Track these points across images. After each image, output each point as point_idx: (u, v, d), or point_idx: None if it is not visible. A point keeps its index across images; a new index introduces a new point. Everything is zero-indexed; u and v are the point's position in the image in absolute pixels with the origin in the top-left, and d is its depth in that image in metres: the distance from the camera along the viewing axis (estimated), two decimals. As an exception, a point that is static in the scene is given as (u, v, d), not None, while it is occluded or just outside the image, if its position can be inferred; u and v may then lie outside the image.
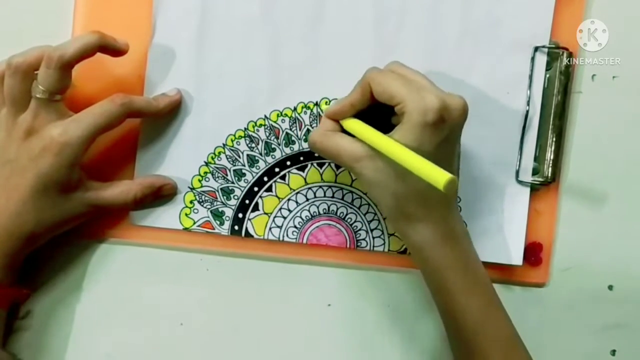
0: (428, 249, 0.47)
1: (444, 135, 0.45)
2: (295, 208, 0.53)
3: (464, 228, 0.49)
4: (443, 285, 0.47)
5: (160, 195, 0.52)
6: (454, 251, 0.47)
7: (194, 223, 0.53)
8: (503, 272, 0.54)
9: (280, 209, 0.53)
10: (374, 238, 0.53)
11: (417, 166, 0.42)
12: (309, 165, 0.53)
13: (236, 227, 0.53)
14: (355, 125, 0.47)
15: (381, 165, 0.45)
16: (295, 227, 0.53)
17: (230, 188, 0.53)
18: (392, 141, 0.44)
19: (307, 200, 0.53)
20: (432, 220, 0.46)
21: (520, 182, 0.53)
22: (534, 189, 0.53)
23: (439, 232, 0.47)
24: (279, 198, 0.53)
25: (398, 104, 0.45)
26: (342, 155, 0.46)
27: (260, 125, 0.53)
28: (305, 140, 0.53)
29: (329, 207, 0.53)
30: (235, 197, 0.53)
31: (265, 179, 0.53)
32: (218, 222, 0.53)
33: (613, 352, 0.55)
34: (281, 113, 0.53)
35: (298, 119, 0.53)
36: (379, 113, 0.47)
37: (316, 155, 0.53)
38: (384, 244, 0.53)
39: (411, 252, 0.49)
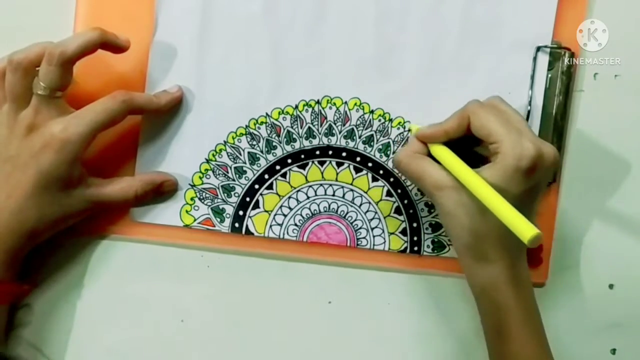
0: (492, 291, 0.47)
1: (532, 183, 0.45)
2: (295, 206, 0.53)
3: (528, 274, 0.48)
4: (500, 329, 0.47)
5: (161, 192, 0.52)
6: (517, 297, 0.47)
7: (195, 220, 0.53)
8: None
9: (281, 206, 0.53)
10: (374, 237, 0.53)
11: (505, 213, 0.42)
12: (310, 163, 0.53)
13: (237, 225, 0.53)
14: (444, 153, 0.47)
15: (464, 199, 0.45)
16: (295, 225, 0.53)
17: (231, 185, 0.53)
18: (480, 180, 0.44)
19: (308, 198, 0.53)
20: (503, 263, 0.46)
21: (521, 182, 0.53)
22: (535, 188, 0.53)
23: (507, 276, 0.46)
24: (279, 196, 0.53)
25: (494, 143, 0.45)
26: (425, 180, 0.47)
27: (262, 122, 0.53)
28: (307, 138, 0.53)
29: (329, 205, 0.53)
30: (236, 195, 0.53)
31: (266, 176, 0.53)
32: (218, 220, 0.53)
33: (613, 351, 0.55)
34: (282, 111, 0.53)
35: (299, 116, 0.53)
36: (464, 139, 0.48)
37: (317, 153, 0.53)
38: (384, 242, 0.53)
39: (473, 290, 0.49)
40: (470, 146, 0.49)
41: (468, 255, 0.47)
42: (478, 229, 0.45)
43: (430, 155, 0.48)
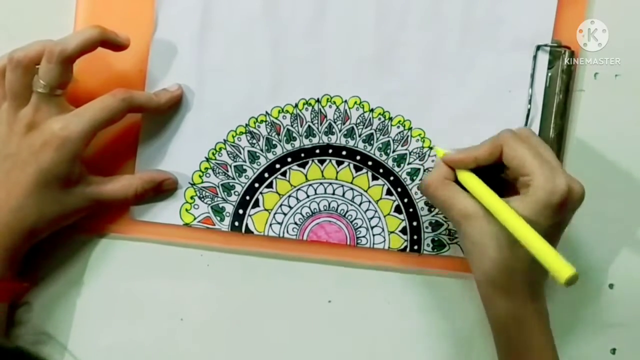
0: (510, 323, 0.47)
1: (560, 218, 0.45)
2: (295, 204, 0.53)
3: (546, 308, 0.48)
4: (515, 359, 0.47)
5: (160, 190, 0.52)
6: (533, 330, 0.47)
7: (195, 219, 0.53)
8: (503, 271, 0.54)
9: (281, 205, 0.53)
10: (374, 235, 0.53)
11: (540, 249, 0.42)
12: (310, 162, 0.53)
13: (236, 223, 0.53)
14: (472, 181, 0.47)
15: (493, 230, 0.45)
16: (295, 223, 0.53)
17: (230, 184, 0.53)
18: (513, 211, 0.44)
19: (308, 196, 0.53)
20: (523, 296, 0.46)
21: (521, 181, 0.53)
22: (535, 187, 0.53)
23: (525, 309, 0.46)
24: (279, 194, 0.53)
25: (526, 176, 0.45)
26: (452, 209, 0.46)
27: (262, 121, 0.53)
28: (307, 137, 0.53)
29: (329, 204, 0.53)
30: (236, 193, 0.53)
31: (266, 175, 0.53)
32: (218, 218, 0.53)
33: (613, 351, 0.55)
34: (282, 109, 0.53)
35: (299, 115, 0.53)
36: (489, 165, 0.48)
37: (317, 152, 0.53)
38: (384, 241, 0.53)
39: (490, 319, 0.48)
40: (494, 172, 0.48)
41: (489, 285, 0.47)
42: (505, 261, 0.45)
43: (456, 180, 0.48)
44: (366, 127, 0.53)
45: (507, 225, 0.43)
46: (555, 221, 0.45)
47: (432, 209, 0.53)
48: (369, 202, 0.53)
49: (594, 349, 0.55)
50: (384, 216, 0.53)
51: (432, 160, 0.53)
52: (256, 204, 0.53)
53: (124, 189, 0.50)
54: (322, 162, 0.53)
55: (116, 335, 0.53)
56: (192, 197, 0.53)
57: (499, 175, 0.48)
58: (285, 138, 0.53)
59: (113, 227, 0.53)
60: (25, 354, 0.39)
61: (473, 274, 0.48)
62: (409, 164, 0.53)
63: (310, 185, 0.53)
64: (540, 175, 0.44)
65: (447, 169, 0.48)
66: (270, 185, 0.53)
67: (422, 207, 0.53)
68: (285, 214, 0.53)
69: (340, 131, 0.53)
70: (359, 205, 0.53)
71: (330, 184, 0.53)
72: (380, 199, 0.53)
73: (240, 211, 0.53)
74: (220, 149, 0.53)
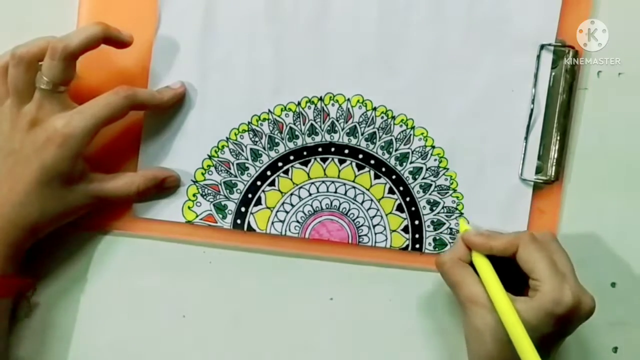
0: None
1: (562, 328, 0.46)
2: (297, 203, 0.53)
3: None
4: None
5: (163, 187, 0.52)
6: None
7: (197, 216, 0.53)
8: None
9: (283, 203, 0.53)
10: (376, 234, 0.53)
11: (525, 351, 0.44)
12: (312, 160, 0.53)
13: (238, 221, 0.53)
14: (484, 267, 0.48)
15: (492, 322, 0.46)
16: (297, 221, 0.53)
17: (233, 182, 0.53)
18: (512, 310, 0.45)
19: (310, 195, 0.53)
20: None
21: (523, 181, 0.53)
22: (537, 187, 0.53)
23: None
24: (281, 192, 0.53)
25: (535, 280, 0.46)
26: (461, 290, 0.48)
27: (264, 119, 0.53)
28: (309, 135, 0.53)
29: (331, 203, 0.53)
30: (238, 191, 0.53)
31: (269, 173, 0.53)
32: (221, 216, 0.53)
33: (615, 350, 0.55)
34: (285, 107, 0.53)
35: (302, 113, 0.53)
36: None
37: (319, 150, 0.53)
38: (386, 240, 0.53)
39: None
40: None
41: None
42: (500, 353, 0.46)
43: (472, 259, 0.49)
44: (369, 126, 0.53)
45: (502, 320, 0.45)
46: (556, 330, 0.46)
47: (434, 208, 0.53)
48: (371, 200, 0.53)
49: (596, 348, 0.55)
50: (386, 215, 0.53)
51: (435, 160, 0.53)
52: (258, 202, 0.53)
53: (126, 187, 0.50)
54: (324, 160, 0.53)
55: (118, 331, 0.53)
56: (194, 195, 0.53)
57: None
58: (287, 136, 0.53)
59: (115, 225, 0.53)
60: None
61: (468, 355, 0.49)
62: (411, 162, 0.53)
63: (312, 183, 0.53)
64: (548, 284, 0.45)
65: (464, 249, 0.49)
66: (272, 183, 0.53)
67: (424, 206, 0.53)
68: (287, 212, 0.53)
69: (342, 129, 0.53)
70: (361, 203, 0.53)
71: (333, 182, 0.53)
72: (382, 197, 0.53)
73: (243, 209, 0.53)
74: (222, 146, 0.53)
